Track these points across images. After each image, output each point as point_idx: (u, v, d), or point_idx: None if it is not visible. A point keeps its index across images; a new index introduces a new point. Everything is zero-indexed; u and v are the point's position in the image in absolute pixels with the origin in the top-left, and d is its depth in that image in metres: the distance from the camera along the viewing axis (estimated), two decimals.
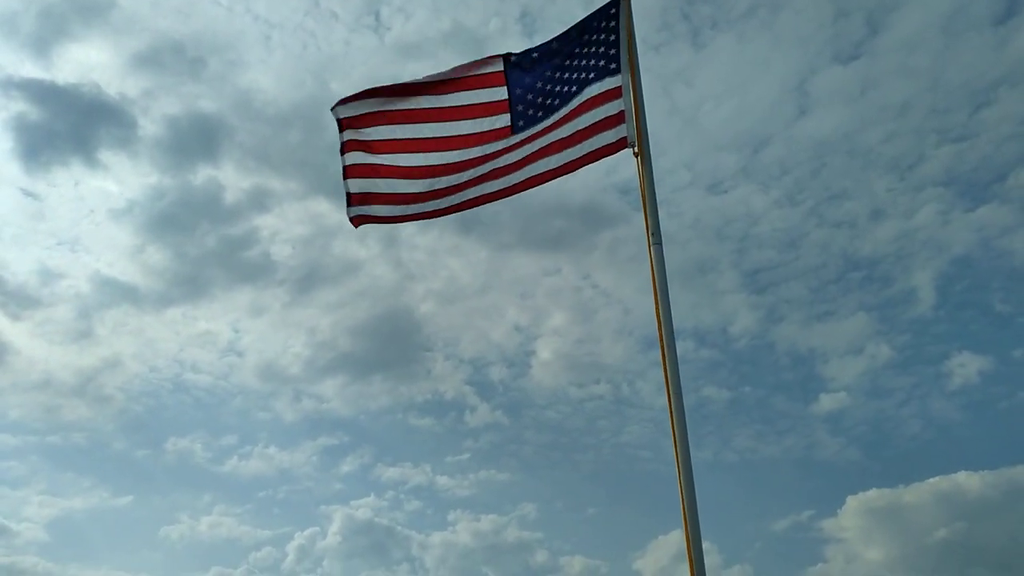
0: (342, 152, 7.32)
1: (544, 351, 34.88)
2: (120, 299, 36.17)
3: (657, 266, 5.86)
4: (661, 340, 5.73)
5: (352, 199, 7.36)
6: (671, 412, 5.55)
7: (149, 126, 35.12)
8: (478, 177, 7.17)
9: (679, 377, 5.70)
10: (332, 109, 7.35)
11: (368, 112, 7.35)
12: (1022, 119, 29.99)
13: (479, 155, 7.19)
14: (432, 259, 37.02)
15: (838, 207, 32.83)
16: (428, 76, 7.31)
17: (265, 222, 37.11)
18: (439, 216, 7.19)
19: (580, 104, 6.94)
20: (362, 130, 7.35)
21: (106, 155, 35.92)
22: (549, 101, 7.09)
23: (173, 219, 35.72)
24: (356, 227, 7.44)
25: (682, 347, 5.86)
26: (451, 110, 7.28)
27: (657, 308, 5.76)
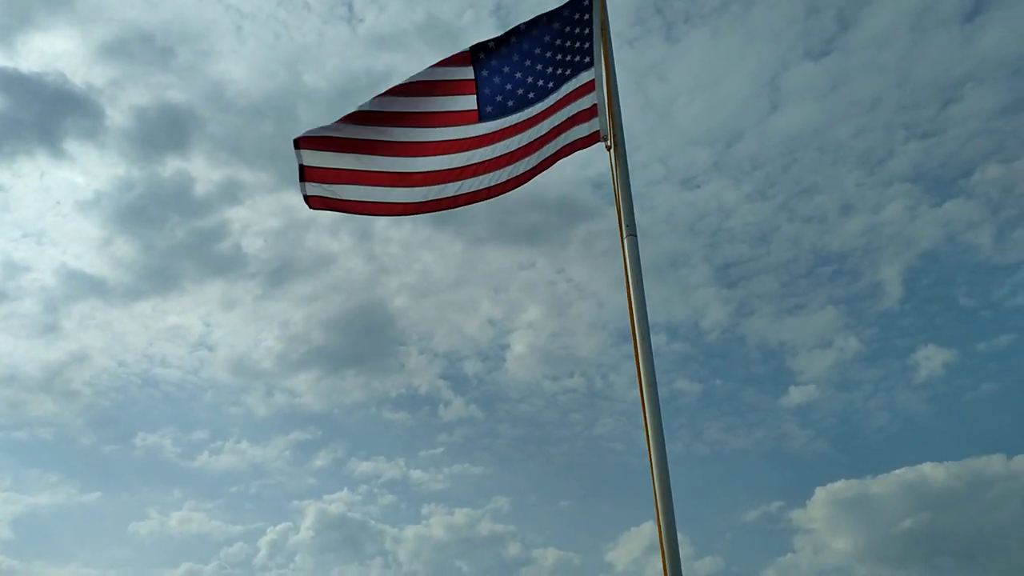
0: (301, 179, 6.74)
1: (518, 345, 34.96)
2: (87, 292, 35.64)
3: (631, 258, 5.86)
4: (634, 333, 5.73)
5: (308, 192, 6.78)
6: (643, 404, 5.55)
7: (116, 116, 34.58)
8: (454, 170, 6.94)
9: (653, 369, 5.70)
10: (296, 150, 6.75)
11: (333, 140, 6.81)
12: (988, 115, 30.56)
13: (447, 139, 6.97)
14: (406, 253, 36.90)
15: (808, 201, 33.23)
16: (398, 84, 7.00)
17: (236, 214, 36.74)
18: (418, 212, 6.92)
19: (558, 101, 6.90)
20: (324, 153, 6.80)
21: (72, 146, 35.32)
22: (522, 92, 6.98)
23: (142, 211, 35.24)
24: (311, 208, 6.81)
25: (654, 341, 5.87)
26: (421, 116, 6.98)
27: (630, 300, 5.76)
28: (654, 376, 5.76)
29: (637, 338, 5.71)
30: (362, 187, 6.84)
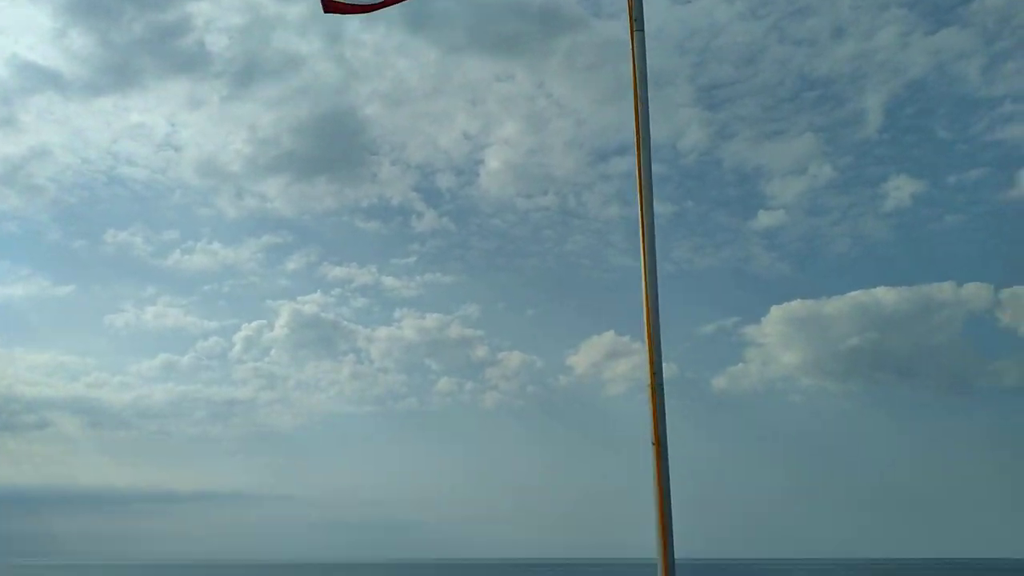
0: None
1: (493, 160, 34.53)
2: (44, 85, 34.00)
3: (638, 54, 5.43)
4: (637, 135, 5.43)
5: None
6: (641, 213, 5.36)
7: None
8: None
9: (651, 176, 5.47)
10: None
11: None
12: None
13: None
14: (378, 58, 35.33)
15: (800, 23, 32.05)
16: None
17: (198, 9, 34.69)
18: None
19: None
20: None
21: None
22: None
23: (96, 2, 32.84)
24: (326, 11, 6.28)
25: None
26: None
27: (636, 99, 5.40)
28: (651, 182, 5.54)
29: (640, 140, 5.41)
30: None
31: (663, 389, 5.17)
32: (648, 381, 5.27)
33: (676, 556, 4.73)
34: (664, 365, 4.93)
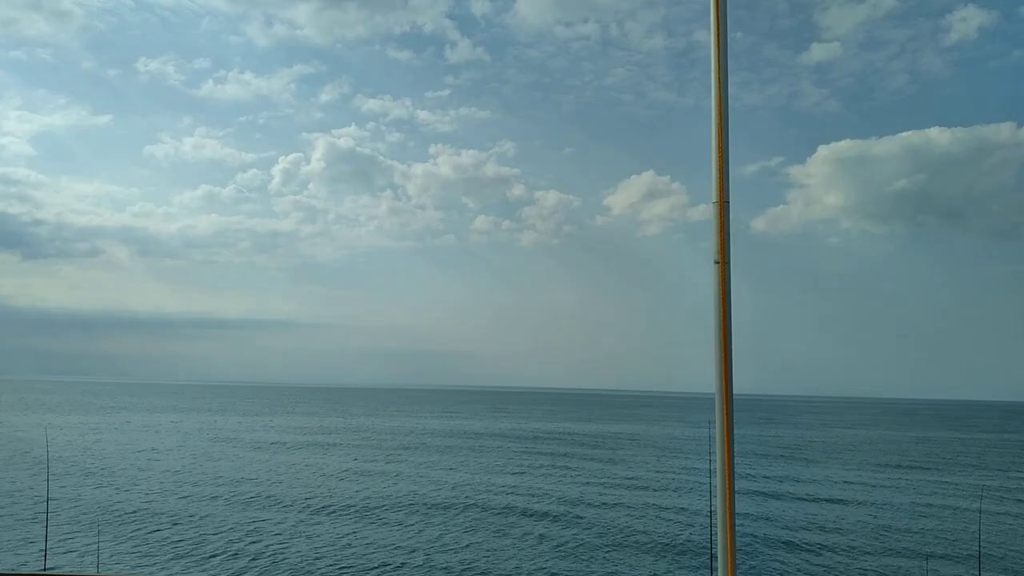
0: None
1: None
2: None
3: None
4: None
5: None
6: (717, 49, 4.99)
7: None
8: None
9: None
10: None
11: None
12: None
13: None
14: None
15: None
16: None
17: None
18: None
19: None
20: None
21: None
22: None
23: None
24: None
25: None
26: None
27: None
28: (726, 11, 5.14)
29: None
30: None
31: (729, 205, 5.08)
32: (716, 197, 5.17)
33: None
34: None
